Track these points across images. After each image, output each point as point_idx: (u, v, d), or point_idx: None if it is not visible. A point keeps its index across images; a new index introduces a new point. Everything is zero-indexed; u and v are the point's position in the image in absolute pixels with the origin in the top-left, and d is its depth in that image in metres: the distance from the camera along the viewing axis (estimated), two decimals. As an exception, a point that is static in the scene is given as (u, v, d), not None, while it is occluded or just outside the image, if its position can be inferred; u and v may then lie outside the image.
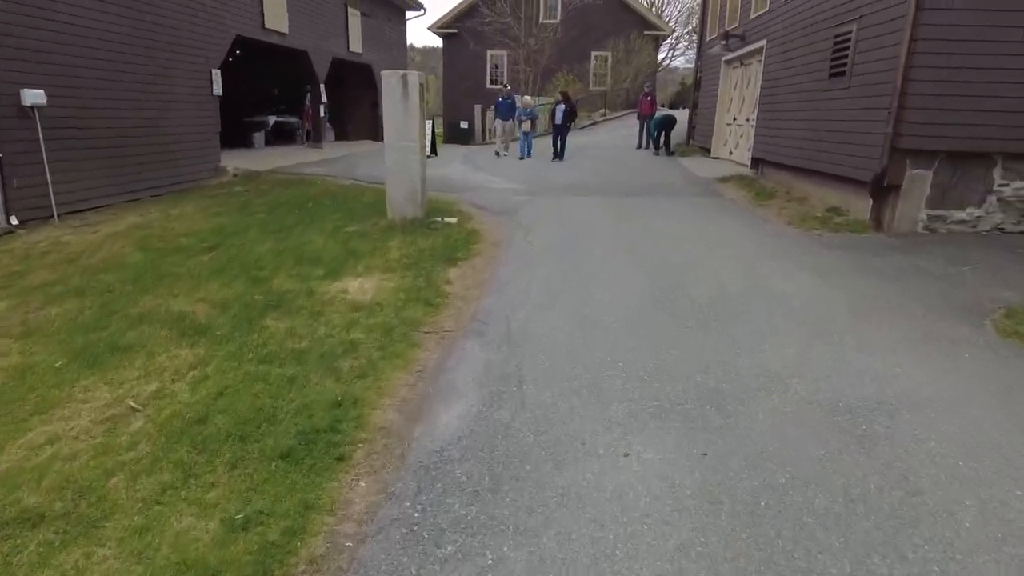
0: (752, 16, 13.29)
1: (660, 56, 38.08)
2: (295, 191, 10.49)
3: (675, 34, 39.16)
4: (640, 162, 15.49)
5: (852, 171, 8.38)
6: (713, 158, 16.12)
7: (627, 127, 23.62)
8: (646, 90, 18.49)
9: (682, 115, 21.23)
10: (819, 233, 7.64)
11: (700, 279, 5.62)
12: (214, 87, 12.37)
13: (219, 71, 12.51)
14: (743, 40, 13.92)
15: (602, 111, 29.32)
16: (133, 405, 3.52)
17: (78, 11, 8.88)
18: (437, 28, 33.05)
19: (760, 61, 12.93)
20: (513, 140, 17.92)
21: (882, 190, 7.60)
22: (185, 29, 11.41)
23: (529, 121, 16.52)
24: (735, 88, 15.18)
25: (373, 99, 22.43)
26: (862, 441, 2.98)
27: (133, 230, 8.07)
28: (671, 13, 44.01)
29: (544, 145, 17.68)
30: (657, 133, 17.11)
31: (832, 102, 9.12)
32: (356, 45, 19.96)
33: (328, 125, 22.06)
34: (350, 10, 19.28)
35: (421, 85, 7.38)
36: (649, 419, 3.18)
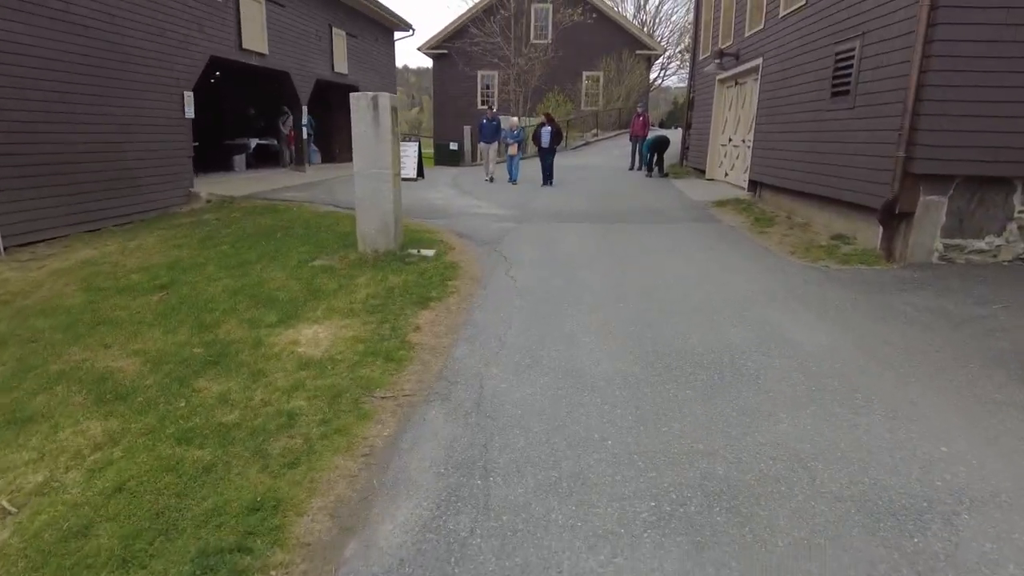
0: (747, 34, 12.84)
1: (652, 75, 37.86)
2: (267, 219, 9.86)
3: (667, 53, 39.01)
4: (633, 185, 14.95)
5: (859, 196, 7.82)
6: (708, 180, 15.60)
7: (619, 147, 23.18)
8: (638, 111, 18.04)
9: (675, 135, 20.81)
10: (827, 265, 7.04)
11: (702, 327, 4.99)
12: (186, 109, 11.79)
13: (192, 93, 11.94)
14: (737, 59, 13.46)
15: (594, 131, 28.92)
16: (6, 506, 2.85)
17: (21, 28, 8.29)
18: (427, 49, 32.77)
19: (756, 80, 12.45)
20: (500, 162, 16.99)
21: (893, 217, 7.02)
22: (153, 50, 10.85)
23: (515, 144, 15.72)
24: (729, 108, 14.71)
25: (360, 120, 21.97)
26: (915, 562, 2.33)
27: (82, 266, 7.41)
28: (663, 33, 43.95)
29: (532, 169, 16.86)
30: (650, 155, 16.62)
31: (835, 123, 8.58)
32: (342, 66, 19.48)
33: (314, 147, 21.53)
34: (335, 30, 18.82)
35: (393, 108, 6.80)
36: (645, 529, 2.52)
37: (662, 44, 37.14)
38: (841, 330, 4.84)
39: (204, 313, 5.45)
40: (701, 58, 17.17)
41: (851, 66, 8.14)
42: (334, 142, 22.46)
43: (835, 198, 8.59)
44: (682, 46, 41.68)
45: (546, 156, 14.99)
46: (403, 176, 17.44)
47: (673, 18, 55.58)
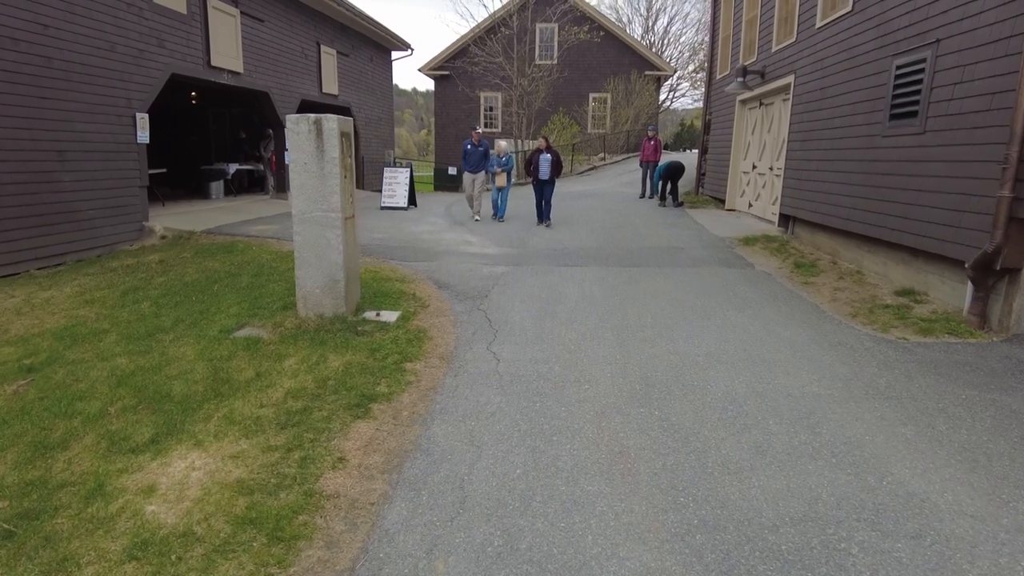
0: (774, 49, 11.36)
1: (661, 97, 36.56)
2: (217, 262, 8.36)
3: (676, 75, 37.75)
4: (645, 216, 13.40)
5: (932, 243, 6.23)
6: (728, 211, 14.06)
7: (628, 172, 21.72)
8: (649, 134, 16.57)
9: (686, 159, 19.32)
10: (903, 337, 5.42)
11: (764, 463, 3.39)
12: (139, 134, 10.38)
13: (146, 115, 10.54)
14: (763, 77, 11.98)
15: (601, 155, 27.53)
16: None
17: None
18: (428, 70, 31.63)
19: (786, 100, 10.95)
20: (485, 190, 13.51)
21: (991, 274, 5.42)
22: (99, 66, 9.47)
23: (504, 173, 12.86)
24: (752, 131, 13.21)
25: (353, 143, 20.64)
26: None
27: (-41, 330, 5.90)
28: (671, 54, 42.78)
29: (524, 202, 14.50)
30: (663, 182, 15.10)
31: (897, 151, 7.03)
32: (331, 86, 18.16)
33: (303, 172, 20.17)
34: (324, 48, 17.53)
35: (344, 134, 5.30)
36: None
37: (672, 64, 35.91)
38: (982, 475, 3.22)
39: (59, 420, 3.90)
40: (719, 77, 15.73)
41: (919, 81, 6.60)
42: (325, 167, 21.10)
43: (894, 242, 7.02)
44: (692, 66, 40.49)
45: (544, 189, 12.05)
46: (392, 205, 16.08)
47: (682, 39, 54.45)
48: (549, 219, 12.12)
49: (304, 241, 5.39)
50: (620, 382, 4.43)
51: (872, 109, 7.63)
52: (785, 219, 10.76)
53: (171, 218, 11.55)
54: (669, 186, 15.03)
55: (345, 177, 5.36)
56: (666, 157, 17.56)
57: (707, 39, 18.05)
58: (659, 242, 10.28)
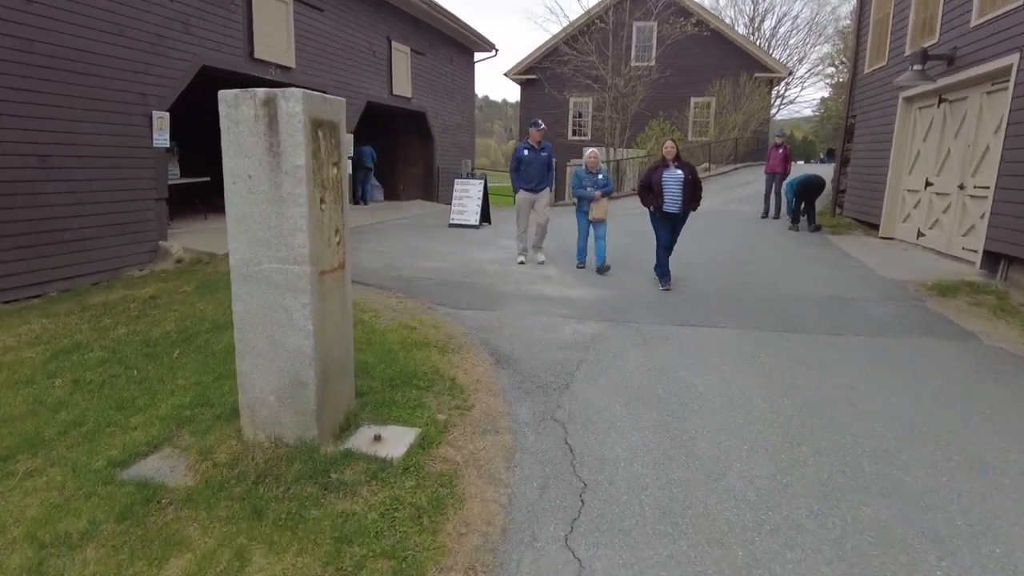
0: (976, 22, 8.24)
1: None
2: (210, 303, 6.30)
3: (790, 77, 33.91)
4: (777, 245, 10.47)
5: None
6: (883, 239, 10.88)
7: (740, 186, 18.57)
8: (777, 141, 13.54)
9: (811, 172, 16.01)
10: None
11: None
12: (156, 136, 8.60)
13: (166, 114, 8.76)
14: (950, 63, 8.85)
15: (705, 165, 24.41)
16: None
17: None
18: (515, 74, 29.60)
19: (995, 91, 7.83)
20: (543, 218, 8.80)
21: None
22: (102, 53, 7.72)
23: (602, 195, 8.15)
24: (925, 137, 10.03)
25: (428, 151, 18.75)
26: None
27: None
28: (779, 56, 38.83)
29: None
30: (797, 200, 12.07)
31: None
32: (403, 87, 16.25)
33: (376, 183, 18.45)
34: (395, 44, 15.62)
35: (320, 124, 2.97)
36: None
37: (786, 66, 32.18)
38: None
39: None
40: (868, 71, 12.53)
41: None
42: (398, 177, 19.33)
43: None
44: (805, 68, 36.40)
45: (674, 227, 7.44)
46: (461, 222, 13.68)
47: (791, 41, 49.85)
48: (668, 279, 7.35)
49: (248, 313, 3.08)
50: None
51: None
52: (993, 258, 7.63)
53: (198, 236, 9.74)
54: (804, 205, 11.99)
55: (322, 201, 3.01)
56: (804, 172, 14.42)
57: (856, 18, 14.76)
58: (811, 286, 7.41)
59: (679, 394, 4.18)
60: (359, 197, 16.90)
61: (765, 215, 13.62)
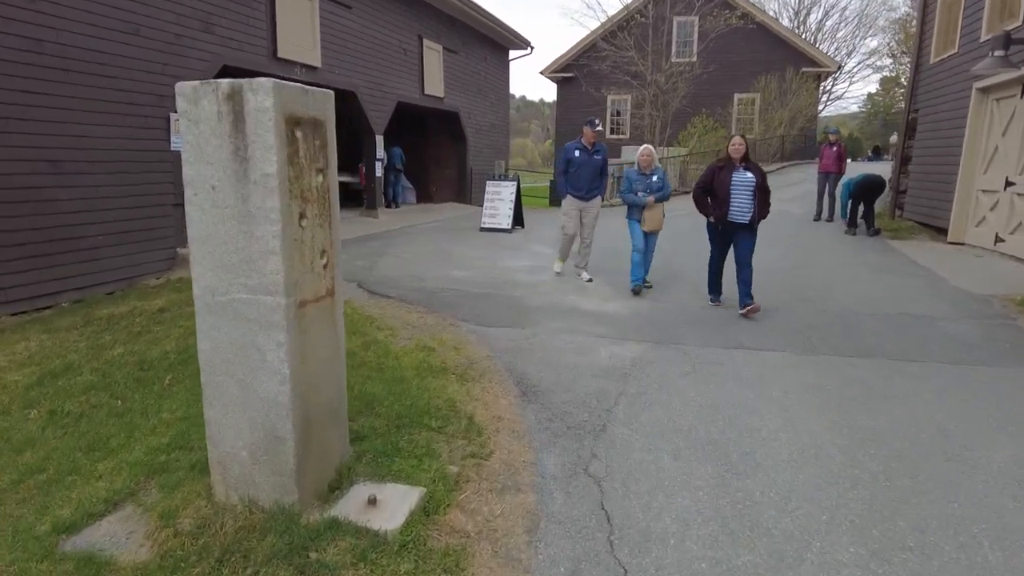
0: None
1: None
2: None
3: (839, 71, 32.46)
4: (833, 251, 9.61)
5: None
6: (953, 244, 9.92)
7: (788, 186, 17.58)
8: (831, 138, 12.61)
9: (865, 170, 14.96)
10: None
11: None
12: (173, 139, 8.26)
13: (185, 116, 8.40)
14: (1039, 48, 7.91)
15: (749, 164, 23.36)
16: None
17: None
18: (551, 72, 28.97)
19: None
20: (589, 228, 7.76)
21: None
22: (113, 52, 7.39)
23: (656, 200, 7.00)
24: (1005, 131, 9.06)
25: (461, 152, 18.27)
26: None
27: None
28: (825, 50, 37.21)
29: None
30: (853, 202, 11.17)
31: None
32: (435, 87, 15.78)
33: (408, 185, 18.09)
34: (427, 43, 15.16)
35: (298, 122, 2.41)
36: None
37: (836, 60, 30.79)
38: None
39: None
40: (934, 60, 11.53)
41: None
42: (430, 179, 18.92)
43: None
44: (854, 62, 34.80)
45: (738, 241, 6.13)
46: (492, 226, 13.09)
47: (839, 34, 47.73)
48: (750, 299, 6.03)
49: (215, 352, 2.55)
50: None
51: None
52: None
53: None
54: (862, 208, 11.08)
55: (302, 217, 2.46)
56: (861, 172, 13.45)
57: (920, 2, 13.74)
58: (877, 300, 6.61)
59: (738, 440, 3.52)
60: (391, 199, 16.50)
61: (818, 217, 12.71)
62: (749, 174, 5.99)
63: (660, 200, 7.00)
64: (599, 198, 7.69)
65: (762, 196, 6.04)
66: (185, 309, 6.48)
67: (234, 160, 2.34)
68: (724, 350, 5.08)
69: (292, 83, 2.41)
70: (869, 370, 4.61)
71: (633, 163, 7.36)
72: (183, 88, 2.36)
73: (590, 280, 7.57)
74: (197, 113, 2.36)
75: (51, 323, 6.17)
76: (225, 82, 2.31)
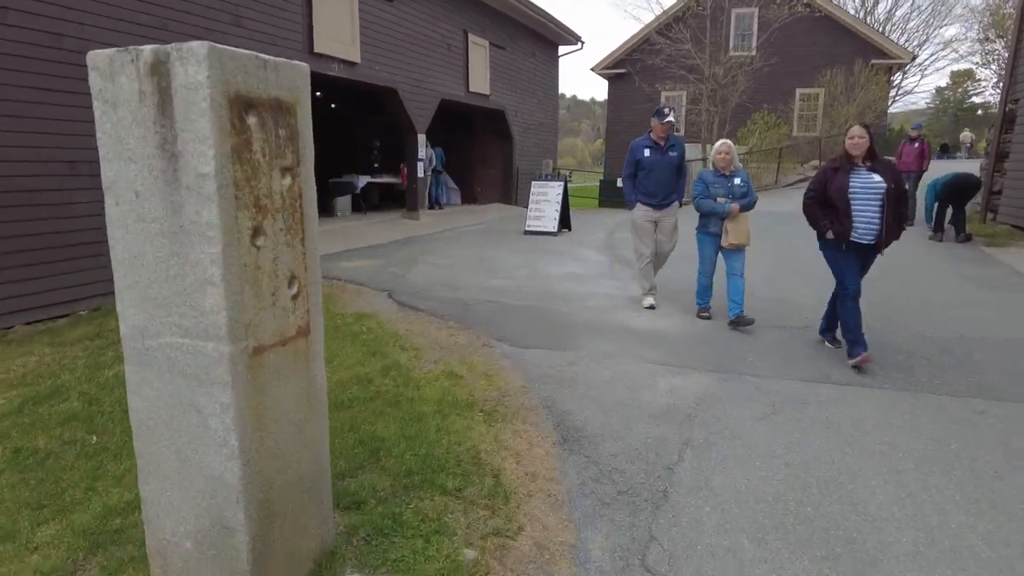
0: None
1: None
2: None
3: (912, 63, 30.46)
4: (920, 260, 8.52)
5: None
6: (1069, 253, 8.69)
7: (859, 187, 16.19)
8: (912, 134, 11.43)
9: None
10: None
11: None
12: (202, 139, 7.84)
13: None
14: None
15: (814, 163, 22.00)
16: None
17: None
18: (602, 68, 28.01)
19: None
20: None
21: None
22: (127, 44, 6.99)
23: (740, 207, 5.56)
24: None
25: (507, 151, 17.62)
26: None
27: None
28: (896, 40, 35.02)
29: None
30: (941, 205, 10.00)
31: None
32: (481, 84, 15.18)
33: (453, 186, 17.55)
34: (472, 38, 14.57)
35: (252, 104, 1.75)
36: None
37: (909, 51, 28.86)
38: None
39: None
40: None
41: None
42: (475, 179, 18.35)
43: None
44: (927, 53, 32.61)
45: (862, 264, 4.82)
46: (537, 229, 12.26)
47: (910, 24, 44.91)
48: (865, 347, 4.51)
49: (148, 413, 1.92)
50: None
51: None
52: None
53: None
54: (952, 211, 9.91)
55: (257, 234, 1.80)
56: (951, 171, 12.18)
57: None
58: (989, 323, 5.59)
59: (840, 519, 2.71)
60: (434, 200, 15.98)
61: (897, 221, 11.50)
62: (876, 176, 4.46)
63: (745, 209, 5.62)
64: (675, 204, 6.18)
65: (895, 206, 4.45)
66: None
67: (161, 156, 1.70)
68: (806, 384, 4.24)
69: (241, 51, 1.76)
70: (1002, 418, 3.69)
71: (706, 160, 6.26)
72: (96, 57, 1.74)
73: (652, 307, 6.18)
74: (115, 93, 1.73)
75: (60, 335, 5.76)
76: (148, 49, 1.67)
